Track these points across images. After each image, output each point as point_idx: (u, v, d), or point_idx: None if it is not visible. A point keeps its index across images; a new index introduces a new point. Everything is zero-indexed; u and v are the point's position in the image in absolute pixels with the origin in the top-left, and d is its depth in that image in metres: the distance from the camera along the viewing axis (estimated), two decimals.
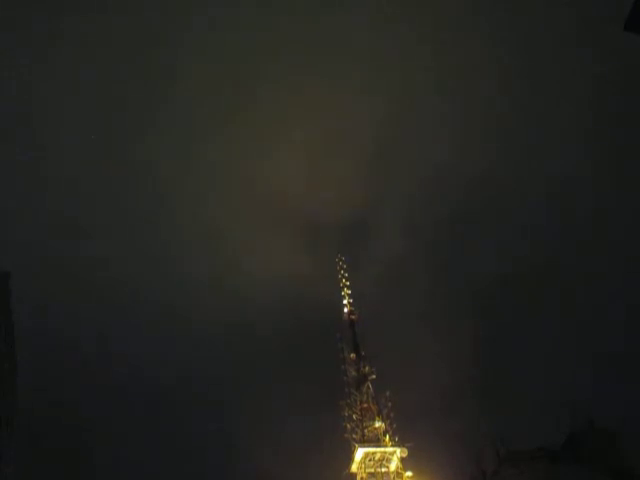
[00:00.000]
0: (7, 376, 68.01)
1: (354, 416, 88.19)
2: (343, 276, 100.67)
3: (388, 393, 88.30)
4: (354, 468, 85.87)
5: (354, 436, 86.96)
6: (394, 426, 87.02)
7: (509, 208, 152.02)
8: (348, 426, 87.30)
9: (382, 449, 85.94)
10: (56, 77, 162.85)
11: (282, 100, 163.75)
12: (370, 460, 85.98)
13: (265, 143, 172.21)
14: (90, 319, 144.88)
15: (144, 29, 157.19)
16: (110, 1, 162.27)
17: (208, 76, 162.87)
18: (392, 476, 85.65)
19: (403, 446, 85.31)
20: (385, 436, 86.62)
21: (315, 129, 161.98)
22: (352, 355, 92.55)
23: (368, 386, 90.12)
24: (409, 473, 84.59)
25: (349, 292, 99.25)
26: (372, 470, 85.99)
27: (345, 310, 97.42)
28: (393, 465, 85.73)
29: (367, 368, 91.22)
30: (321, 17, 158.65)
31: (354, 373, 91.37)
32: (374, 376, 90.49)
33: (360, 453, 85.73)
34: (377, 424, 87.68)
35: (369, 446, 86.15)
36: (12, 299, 77.71)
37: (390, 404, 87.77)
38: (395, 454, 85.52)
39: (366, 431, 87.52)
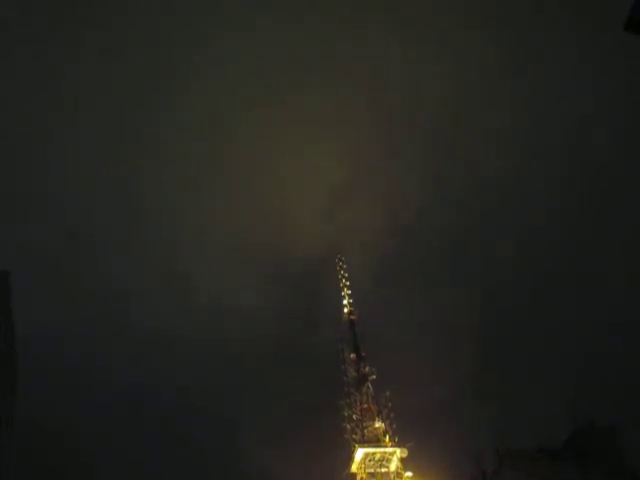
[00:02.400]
0: (7, 376, 67.97)
1: (354, 416, 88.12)
2: (343, 276, 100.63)
3: (388, 393, 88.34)
4: (354, 468, 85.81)
5: (354, 436, 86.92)
6: (394, 426, 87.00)
7: (509, 209, 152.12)
8: (348, 426, 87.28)
9: (382, 449, 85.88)
10: (54, 79, 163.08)
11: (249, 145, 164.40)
12: (370, 460, 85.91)
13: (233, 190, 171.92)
14: (90, 319, 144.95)
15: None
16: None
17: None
18: (392, 476, 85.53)
19: (403, 446, 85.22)
20: (385, 436, 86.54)
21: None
22: (352, 355, 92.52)
23: (368, 386, 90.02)
24: (409, 473, 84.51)
25: (349, 292, 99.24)
26: (372, 470, 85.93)
27: (345, 310, 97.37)
28: (393, 465, 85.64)
29: (367, 368, 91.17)
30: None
31: (354, 373, 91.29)
32: (374, 376, 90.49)
33: (360, 453, 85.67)
34: (377, 424, 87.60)
35: (369, 446, 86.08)
36: (12, 298, 77.72)
37: (390, 404, 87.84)
38: (395, 454, 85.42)
39: (366, 431, 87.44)
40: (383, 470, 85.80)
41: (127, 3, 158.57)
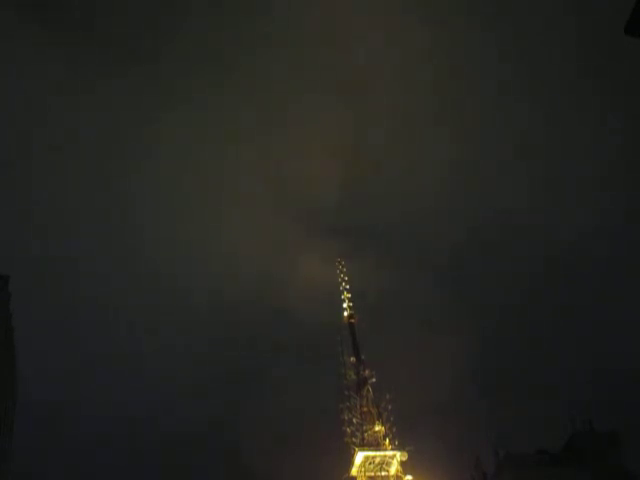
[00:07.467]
0: (7, 377, 67.95)
1: (354, 420, 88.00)
2: (343, 280, 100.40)
3: (388, 396, 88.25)
4: (354, 472, 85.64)
5: (354, 440, 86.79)
6: (394, 430, 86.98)
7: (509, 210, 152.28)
8: (348, 430, 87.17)
9: (382, 453, 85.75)
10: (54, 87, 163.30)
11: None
12: (370, 464, 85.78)
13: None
14: (89, 322, 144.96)
15: None
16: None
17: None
18: None
19: (403, 450, 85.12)
20: (385, 440, 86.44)
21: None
22: (352, 358, 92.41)
23: (368, 389, 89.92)
24: (409, 477, 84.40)
25: (349, 296, 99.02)
26: (372, 474, 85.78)
27: (345, 314, 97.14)
28: (393, 469, 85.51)
29: (367, 371, 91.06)
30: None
31: (354, 376, 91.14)
32: (374, 379, 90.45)
33: (360, 457, 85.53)
34: (377, 427, 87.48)
35: (369, 450, 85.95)
36: (11, 302, 77.54)
37: (390, 407, 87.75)
38: (395, 458, 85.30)
39: (366, 435, 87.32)
40: (383, 474, 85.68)
41: None
